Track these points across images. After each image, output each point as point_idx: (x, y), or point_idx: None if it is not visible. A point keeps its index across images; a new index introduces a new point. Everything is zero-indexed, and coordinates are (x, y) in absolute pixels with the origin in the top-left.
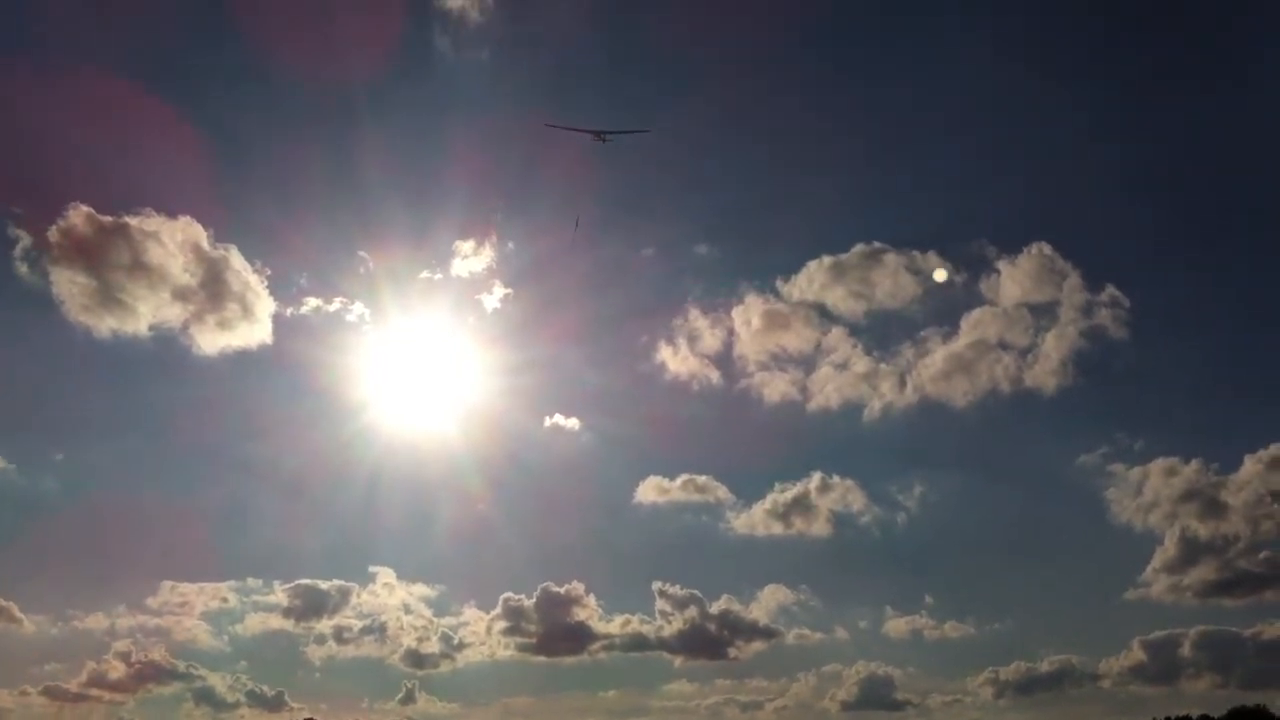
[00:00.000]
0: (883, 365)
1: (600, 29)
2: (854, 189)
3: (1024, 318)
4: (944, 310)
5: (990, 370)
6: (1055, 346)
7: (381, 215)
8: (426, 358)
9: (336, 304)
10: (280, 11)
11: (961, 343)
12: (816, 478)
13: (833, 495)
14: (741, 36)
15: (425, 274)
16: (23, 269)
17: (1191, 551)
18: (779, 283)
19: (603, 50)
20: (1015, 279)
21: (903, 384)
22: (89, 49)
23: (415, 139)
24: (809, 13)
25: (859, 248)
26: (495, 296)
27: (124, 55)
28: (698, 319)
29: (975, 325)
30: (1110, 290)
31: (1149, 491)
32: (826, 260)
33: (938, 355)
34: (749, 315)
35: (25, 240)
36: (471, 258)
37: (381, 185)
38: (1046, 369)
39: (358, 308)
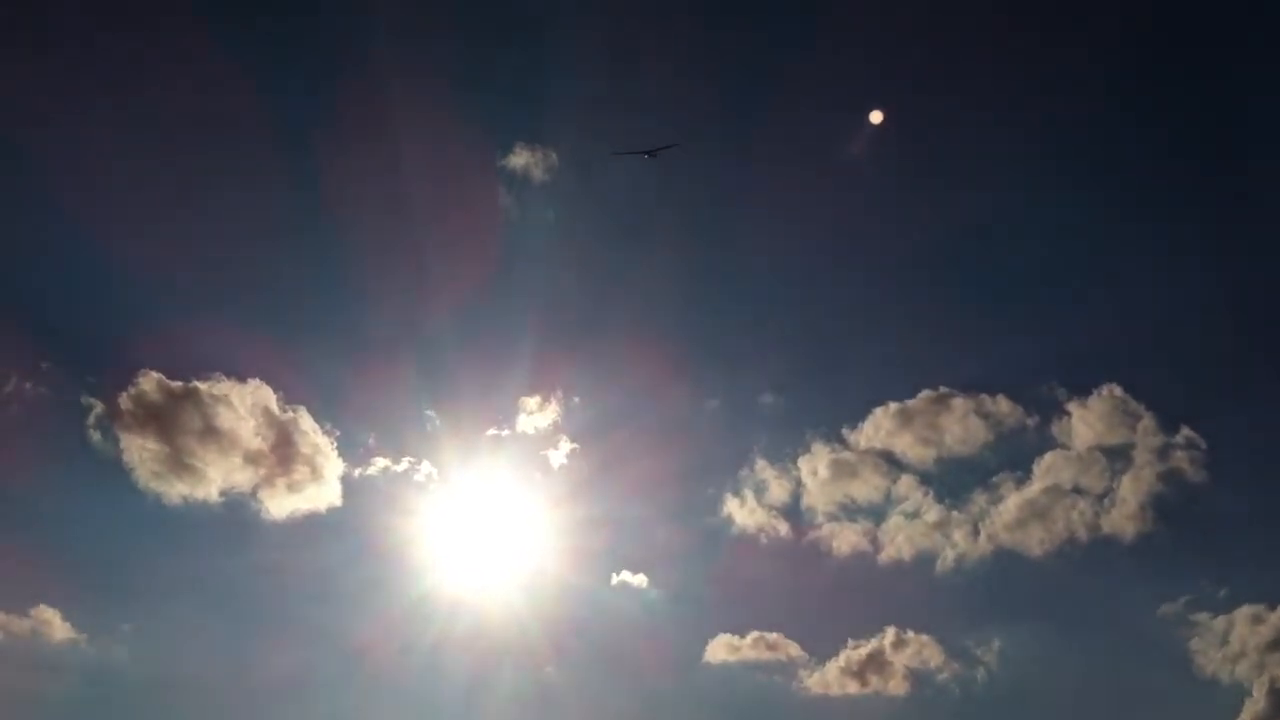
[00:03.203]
0: (955, 513)
1: (666, 185)
2: (917, 334)
3: (1098, 461)
4: (1016, 455)
5: (1066, 516)
6: (1132, 491)
7: (448, 374)
8: (493, 515)
9: (404, 463)
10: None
11: (1035, 488)
12: (891, 633)
13: (908, 651)
14: (805, 192)
15: (492, 431)
16: (95, 437)
17: None
18: (845, 431)
19: (669, 208)
20: (1087, 421)
21: (976, 532)
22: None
23: (480, 297)
24: (861, 162)
25: (925, 393)
26: (561, 452)
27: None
28: (764, 470)
29: (1048, 470)
30: (1186, 432)
31: (1235, 640)
32: (893, 407)
33: (1011, 502)
34: (816, 465)
35: (98, 408)
36: (537, 414)
37: (447, 344)
38: (1124, 514)
39: (425, 467)
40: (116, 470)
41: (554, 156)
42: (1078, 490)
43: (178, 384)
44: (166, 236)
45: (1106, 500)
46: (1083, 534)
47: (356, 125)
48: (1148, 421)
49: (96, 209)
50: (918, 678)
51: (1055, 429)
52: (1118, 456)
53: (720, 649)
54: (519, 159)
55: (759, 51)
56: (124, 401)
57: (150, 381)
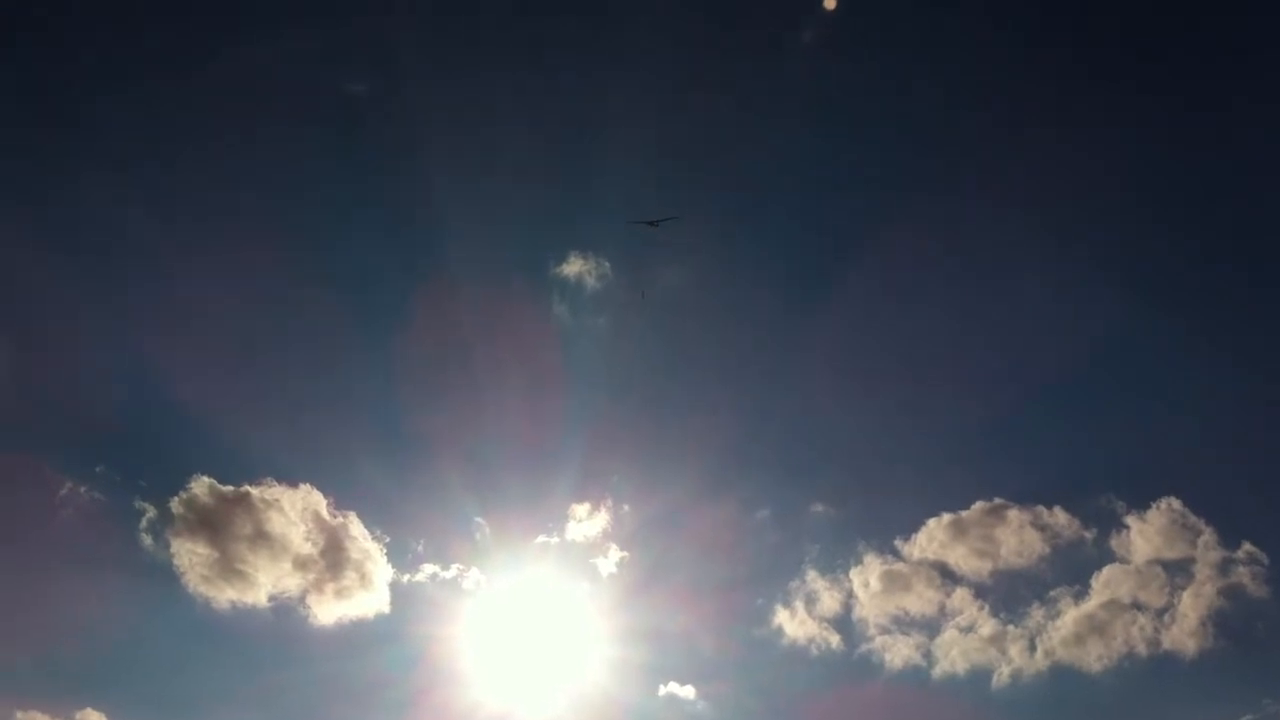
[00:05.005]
0: (1011, 627)
1: (714, 292)
2: (971, 445)
3: (1158, 576)
4: (1073, 568)
5: (1125, 632)
6: (1193, 606)
7: (497, 480)
8: (541, 624)
9: (453, 570)
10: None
11: (1093, 603)
12: None
13: None
14: (860, 302)
15: (541, 538)
16: (147, 540)
17: None
18: (898, 542)
19: (721, 316)
20: (1146, 535)
21: (1033, 647)
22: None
23: (531, 404)
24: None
25: (979, 504)
26: (611, 560)
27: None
28: (815, 581)
29: (1107, 584)
30: (1247, 547)
31: None
32: (946, 518)
33: (1069, 616)
34: (868, 576)
35: (150, 512)
36: (586, 521)
37: (497, 451)
38: (1185, 630)
39: (474, 574)
40: (167, 574)
41: (606, 265)
42: (1137, 605)
43: (229, 488)
44: (220, 343)
45: (1167, 616)
46: (1143, 650)
47: (409, 236)
48: (1208, 536)
49: (152, 319)
50: None
51: (1114, 542)
52: (1178, 571)
53: None
54: (572, 267)
55: (820, 164)
56: (176, 506)
57: (202, 486)
